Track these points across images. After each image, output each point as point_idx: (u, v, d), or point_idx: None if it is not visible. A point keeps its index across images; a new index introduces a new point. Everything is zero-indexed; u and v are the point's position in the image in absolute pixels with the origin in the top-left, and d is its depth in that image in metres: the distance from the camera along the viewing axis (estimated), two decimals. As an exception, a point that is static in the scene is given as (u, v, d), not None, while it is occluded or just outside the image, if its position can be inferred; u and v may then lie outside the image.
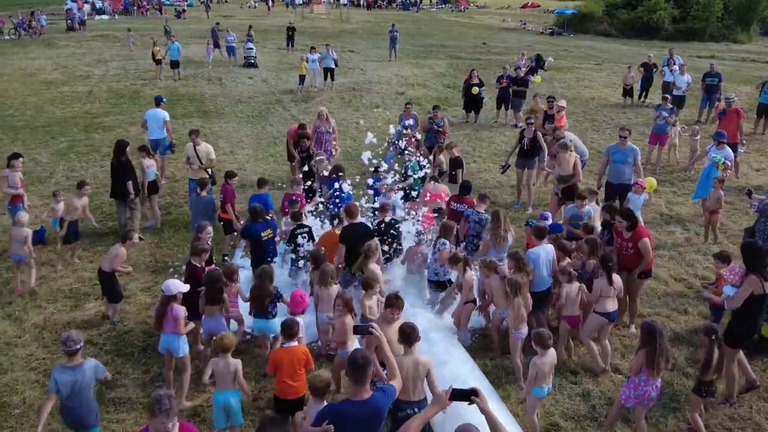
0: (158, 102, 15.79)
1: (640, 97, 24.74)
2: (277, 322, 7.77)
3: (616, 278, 8.19)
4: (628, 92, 24.28)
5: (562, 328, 8.38)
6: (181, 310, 7.38)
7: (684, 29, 53.65)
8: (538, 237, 8.81)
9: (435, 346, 7.94)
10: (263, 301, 7.92)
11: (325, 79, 26.76)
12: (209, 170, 12.63)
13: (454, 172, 13.27)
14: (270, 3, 68.10)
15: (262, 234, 9.58)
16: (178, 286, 7.45)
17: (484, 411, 4.36)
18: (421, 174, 12.73)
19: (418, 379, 5.93)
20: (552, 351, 6.79)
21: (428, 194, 11.76)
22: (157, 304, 7.70)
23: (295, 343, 6.79)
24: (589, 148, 16.18)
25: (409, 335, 5.89)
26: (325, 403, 5.55)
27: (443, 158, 14.29)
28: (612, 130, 20.91)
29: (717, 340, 6.78)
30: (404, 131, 14.30)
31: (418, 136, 14.96)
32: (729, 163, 13.27)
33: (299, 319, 7.40)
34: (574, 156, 12.24)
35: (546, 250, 8.71)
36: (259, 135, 19.74)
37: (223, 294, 7.91)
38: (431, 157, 14.19)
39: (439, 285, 9.46)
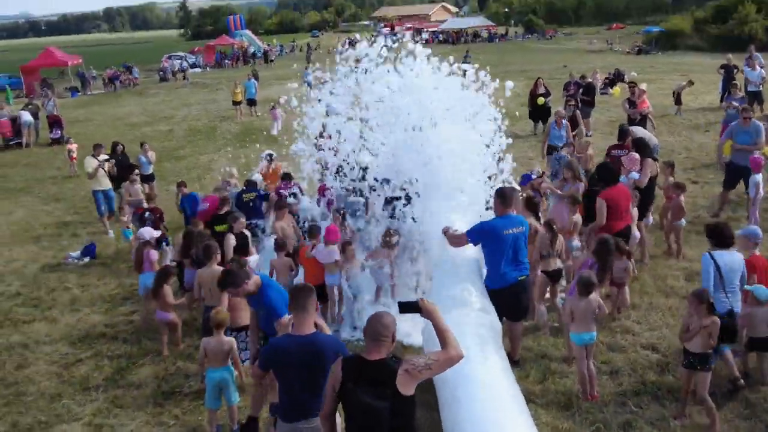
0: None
1: (722, 100, 23.39)
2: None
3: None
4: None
5: None
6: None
7: (778, 38, 50.60)
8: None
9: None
10: None
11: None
12: None
13: None
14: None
15: None
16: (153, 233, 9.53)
17: (431, 317, 4.38)
18: None
19: None
20: (592, 299, 6.61)
21: None
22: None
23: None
24: (662, 148, 15.33)
25: None
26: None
27: None
28: (688, 131, 19.89)
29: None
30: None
31: None
32: None
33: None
34: None
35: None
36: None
37: None
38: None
39: None
